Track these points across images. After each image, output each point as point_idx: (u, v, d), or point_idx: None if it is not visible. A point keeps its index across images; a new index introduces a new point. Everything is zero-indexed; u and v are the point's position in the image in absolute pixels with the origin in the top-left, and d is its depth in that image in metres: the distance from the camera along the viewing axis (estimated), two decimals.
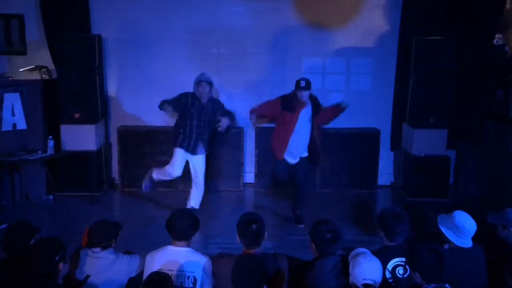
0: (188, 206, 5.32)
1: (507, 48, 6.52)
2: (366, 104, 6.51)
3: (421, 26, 5.99)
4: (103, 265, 3.10)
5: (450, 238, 3.20)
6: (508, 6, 6.22)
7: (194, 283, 3.02)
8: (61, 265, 2.80)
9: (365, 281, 2.72)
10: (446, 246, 3.23)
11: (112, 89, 6.65)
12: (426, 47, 5.88)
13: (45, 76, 6.38)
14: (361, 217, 5.53)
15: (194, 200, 5.45)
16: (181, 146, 5.32)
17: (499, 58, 5.95)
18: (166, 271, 2.94)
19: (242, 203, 6.00)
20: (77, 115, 6.05)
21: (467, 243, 3.21)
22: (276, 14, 6.39)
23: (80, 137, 6.06)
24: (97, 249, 3.12)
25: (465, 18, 5.78)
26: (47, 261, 2.73)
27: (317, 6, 6.38)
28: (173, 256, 3.07)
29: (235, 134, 6.47)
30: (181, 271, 3.02)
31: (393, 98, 6.52)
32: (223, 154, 6.45)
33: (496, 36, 6.13)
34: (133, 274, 3.22)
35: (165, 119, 6.48)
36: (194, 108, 5.30)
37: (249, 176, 6.65)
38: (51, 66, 6.36)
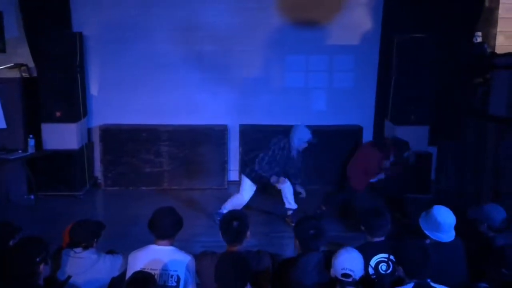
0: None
1: (486, 45, 6.64)
2: (348, 102, 6.56)
3: (403, 24, 6.05)
4: (85, 265, 3.06)
5: (429, 234, 3.26)
6: (487, 4, 6.32)
7: (178, 281, 3.01)
8: (42, 266, 2.75)
9: (344, 271, 2.73)
10: (427, 241, 3.28)
11: (94, 87, 6.58)
12: (407, 44, 5.94)
13: (25, 74, 6.27)
14: (344, 213, 5.57)
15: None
16: None
17: (478, 56, 6.04)
18: (149, 270, 2.92)
19: (226, 201, 5.98)
20: (58, 114, 5.98)
21: (447, 237, 3.25)
22: (260, 11, 6.39)
23: (62, 136, 6.00)
24: (79, 249, 3.08)
25: (445, 16, 5.86)
26: (28, 262, 2.69)
27: (301, 4, 6.40)
28: (156, 255, 3.05)
29: (218, 132, 6.46)
30: (164, 270, 3.01)
31: (376, 95, 6.59)
32: (207, 152, 6.43)
33: (476, 33, 6.22)
34: (116, 273, 3.18)
35: (147, 118, 6.43)
36: None
37: (234, 173, 6.65)
38: (31, 64, 6.25)
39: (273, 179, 5.11)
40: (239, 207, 5.17)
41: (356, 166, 5.35)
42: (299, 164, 5.28)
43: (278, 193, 5.69)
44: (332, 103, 6.64)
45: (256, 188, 5.27)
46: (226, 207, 5.18)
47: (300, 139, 5.06)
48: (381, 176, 5.19)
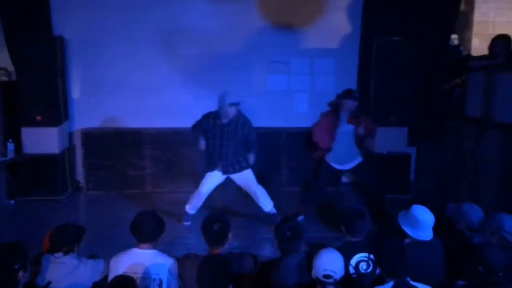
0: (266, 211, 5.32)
1: (462, 48, 6.78)
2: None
3: (382, 27, 6.13)
4: (66, 270, 3.05)
5: (408, 233, 3.31)
6: (462, 8, 6.46)
7: (160, 285, 3.02)
8: (21, 273, 2.70)
9: (325, 272, 2.78)
10: (406, 240, 3.33)
11: (75, 90, 6.51)
12: (386, 47, 6.03)
13: (4, 78, 6.22)
14: (326, 214, 5.63)
15: (265, 205, 5.33)
16: None
17: (455, 58, 6.16)
18: (131, 274, 2.92)
19: (209, 203, 5.98)
20: (39, 118, 5.91)
21: (426, 236, 3.30)
22: (242, 15, 6.41)
23: (43, 140, 5.93)
24: (59, 254, 3.06)
25: (422, 19, 5.96)
26: (6, 270, 2.65)
27: (282, 7, 6.45)
28: (139, 259, 3.06)
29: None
30: (146, 274, 3.01)
31: None
32: (190, 155, 6.42)
33: (452, 36, 6.34)
34: (97, 278, 3.18)
35: (129, 121, 6.41)
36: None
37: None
38: (10, 68, 6.19)
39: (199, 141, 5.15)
40: (199, 202, 5.28)
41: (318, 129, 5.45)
42: (238, 136, 5.15)
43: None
44: (314, 106, 6.68)
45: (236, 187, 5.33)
46: (189, 207, 5.29)
47: (221, 104, 5.07)
48: (361, 131, 5.21)
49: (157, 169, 6.46)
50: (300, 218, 5.34)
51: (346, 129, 5.26)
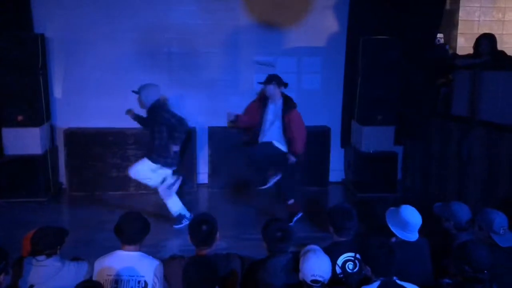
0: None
1: (447, 47, 6.82)
2: (316, 103, 6.61)
3: (368, 26, 6.14)
4: (48, 273, 2.97)
5: (397, 233, 3.31)
6: (448, 7, 6.49)
7: (145, 287, 2.96)
8: (2, 276, 2.65)
9: (314, 277, 2.76)
10: (393, 240, 3.34)
11: (57, 90, 6.40)
12: (372, 46, 6.03)
13: None
14: (313, 214, 5.61)
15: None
16: None
17: (440, 57, 6.20)
18: (115, 277, 2.87)
19: (195, 204, 5.94)
20: (20, 118, 5.78)
21: (413, 236, 3.32)
22: (228, 13, 6.37)
23: (24, 141, 5.81)
24: (42, 257, 2.98)
25: (408, 18, 5.99)
26: None
27: (268, 6, 6.42)
28: (123, 261, 3.00)
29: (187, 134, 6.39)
30: (131, 276, 2.96)
31: (343, 96, 6.67)
32: None
33: (438, 35, 6.38)
34: (81, 281, 3.11)
35: (113, 121, 6.31)
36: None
37: (203, 176, 6.61)
38: None
39: None
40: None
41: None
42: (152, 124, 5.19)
43: (250, 196, 5.71)
44: (300, 104, 6.61)
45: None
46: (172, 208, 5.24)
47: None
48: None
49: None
50: (300, 214, 5.31)
51: (270, 118, 5.26)
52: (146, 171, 5.15)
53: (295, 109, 5.21)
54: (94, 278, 2.99)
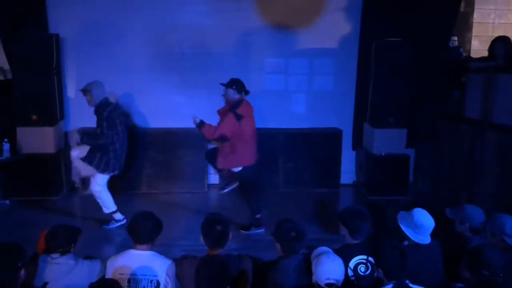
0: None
1: (461, 49, 6.77)
2: (328, 105, 6.61)
3: (381, 28, 6.12)
4: (62, 271, 3.00)
5: (409, 236, 3.29)
6: (462, 9, 6.44)
7: (157, 286, 2.98)
8: (22, 271, 2.69)
9: (328, 281, 2.76)
10: (405, 243, 3.32)
11: (71, 89, 6.46)
12: (385, 48, 6.02)
13: (0, 77, 6.15)
14: (324, 216, 5.60)
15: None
16: None
17: (454, 60, 6.16)
18: (128, 276, 2.89)
19: (206, 205, 5.96)
20: (34, 117, 5.86)
21: (426, 239, 3.30)
22: (239, 14, 6.38)
23: (38, 140, 5.89)
24: (56, 255, 3.02)
25: (422, 21, 5.96)
26: (10, 267, 2.63)
27: (280, 7, 6.43)
28: (135, 260, 3.02)
29: (198, 135, 6.38)
30: (143, 275, 2.98)
31: (355, 99, 6.65)
32: (185, 156, 6.39)
33: (452, 38, 6.34)
34: (94, 279, 3.12)
35: None
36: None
37: (214, 177, 6.62)
38: (6, 66, 6.13)
39: None
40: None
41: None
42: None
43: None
44: (311, 106, 6.68)
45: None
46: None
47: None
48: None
49: (153, 170, 6.41)
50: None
51: None
52: None
53: (232, 112, 4.95)
54: (106, 277, 3.01)
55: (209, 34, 6.42)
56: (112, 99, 5.20)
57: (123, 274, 2.97)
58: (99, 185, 5.10)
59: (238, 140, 4.93)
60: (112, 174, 5.14)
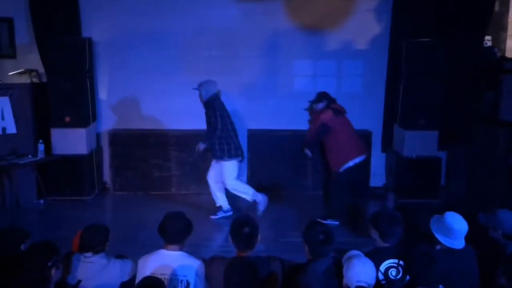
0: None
1: (496, 49, 6.60)
2: (357, 106, 6.51)
3: (412, 28, 6.03)
4: (95, 269, 3.07)
5: (441, 240, 3.21)
6: (497, 8, 6.28)
7: (187, 287, 3.00)
8: (53, 270, 2.74)
9: (359, 283, 2.73)
10: (438, 247, 3.25)
11: (103, 92, 6.61)
12: (416, 49, 5.92)
13: (35, 80, 6.34)
14: (353, 219, 5.54)
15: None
16: None
17: (488, 60, 6.00)
18: (158, 275, 2.92)
19: (234, 206, 5.98)
20: (67, 119, 6.02)
21: (459, 244, 3.21)
22: (268, 16, 6.39)
23: (71, 141, 6.03)
24: (89, 254, 3.08)
25: (454, 20, 5.84)
26: (40, 266, 2.69)
27: (309, 9, 6.40)
28: (166, 260, 3.05)
29: None
30: (174, 275, 3.01)
31: (384, 100, 6.56)
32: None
33: (486, 38, 6.19)
34: (125, 278, 3.18)
35: (155, 123, 6.45)
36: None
37: (242, 178, 6.63)
38: (41, 70, 6.32)
39: None
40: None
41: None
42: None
43: (285, 197, 5.71)
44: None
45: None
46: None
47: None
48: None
49: (182, 171, 6.49)
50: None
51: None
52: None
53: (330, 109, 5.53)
54: (138, 277, 3.04)
55: (238, 36, 6.46)
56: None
57: (154, 274, 2.99)
58: (232, 178, 5.49)
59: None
60: (237, 159, 5.50)
